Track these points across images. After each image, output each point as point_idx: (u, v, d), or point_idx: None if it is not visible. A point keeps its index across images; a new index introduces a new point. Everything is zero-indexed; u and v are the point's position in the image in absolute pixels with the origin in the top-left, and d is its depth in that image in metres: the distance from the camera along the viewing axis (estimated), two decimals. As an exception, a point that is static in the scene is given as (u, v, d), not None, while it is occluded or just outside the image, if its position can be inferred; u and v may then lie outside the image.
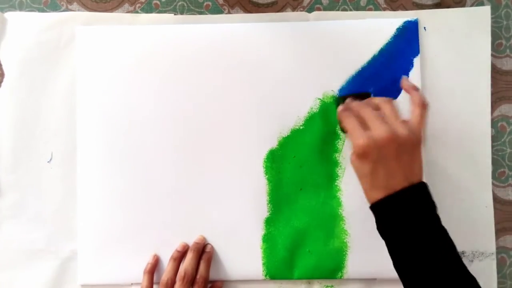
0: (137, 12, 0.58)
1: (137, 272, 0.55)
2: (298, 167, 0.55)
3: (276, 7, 0.58)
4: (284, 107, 0.56)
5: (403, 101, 0.54)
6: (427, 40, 0.56)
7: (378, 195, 0.43)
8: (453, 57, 0.56)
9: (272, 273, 0.55)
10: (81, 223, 0.56)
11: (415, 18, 0.56)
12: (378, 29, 0.56)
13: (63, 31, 0.57)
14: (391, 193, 0.42)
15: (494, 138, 0.57)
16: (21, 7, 0.58)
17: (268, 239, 0.55)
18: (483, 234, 0.56)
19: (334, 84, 0.56)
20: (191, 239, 0.55)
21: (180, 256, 0.54)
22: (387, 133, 0.42)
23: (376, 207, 0.44)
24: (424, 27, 0.56)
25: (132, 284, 0.56)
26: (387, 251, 0.54)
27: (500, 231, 0.57)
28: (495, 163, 0.57)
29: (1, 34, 0.57)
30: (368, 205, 0.53)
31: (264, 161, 0.56)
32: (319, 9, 0.58)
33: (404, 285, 0.44)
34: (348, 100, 0.51)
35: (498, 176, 0.57)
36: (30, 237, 0.56)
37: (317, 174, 0.55)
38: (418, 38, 0.56)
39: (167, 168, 0.56)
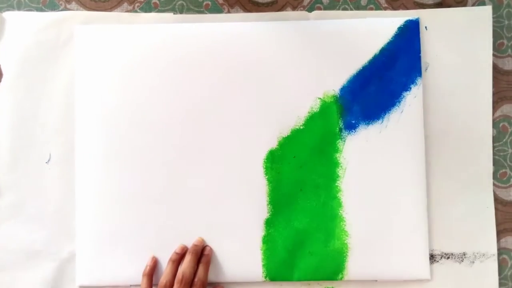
0: (136, 11, 0.58)
1: (136, 274, 0.54)
2: (298, 167, 0.55)
3: (276, 6, 0.58)
4: (284, 107, 0.55)
5: (407, 110, 0.55)
6: (428, 39, 0.56)
7: None
8: (454, 57, 0.56)
9: (272, 275, 0.55)
10: (80, 224, 0.55)
11: (416, 17, 0.56)
12: (379, 28, 0.56)
13: (61, 30, 0.57)
14: None
15: (495, 139, 0.57)
16: (19, 6, 0.58)
17: (268, 240, 0.55)
18: (484, 235, 0.56)
19: (335, 83, 0.55)
20: (190, 241, 0.55)
21: (179, 258, 0.54)
22: None
23: None
24: (425, 27, 0.56)
25: (130, 285, 0.55)
26: (387, 252, 0.54)
27: (501, 232, 0.57)
28: (497, 163, 0.57)
29: (-1, 33, 0.57)
30: (369, 205, 0.52)
31: (264, 161, 0.55)
32: (319, 9, 0.58)
33: None
34: None
35: (499, 177, 0.57)
36: (28, 237, 0.56)
37: (317, 175, 0.55)
38: (419, 37, 0.56)
39: (166, 169, 0.55)
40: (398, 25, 0.56)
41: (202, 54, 0.56)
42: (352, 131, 0.55)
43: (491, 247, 0.56)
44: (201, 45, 0.56)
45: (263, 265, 0.55)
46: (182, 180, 0.55)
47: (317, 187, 0.55)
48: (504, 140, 0.57)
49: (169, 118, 0.56)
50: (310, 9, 0.58)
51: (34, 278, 0.56)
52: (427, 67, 0.56)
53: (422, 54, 0.56)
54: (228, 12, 0.58)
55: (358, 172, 0.55)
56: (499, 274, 0.56)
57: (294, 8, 0.58)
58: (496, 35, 0.57)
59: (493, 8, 0.57)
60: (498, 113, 0.57)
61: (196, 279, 0.52)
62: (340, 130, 0.55)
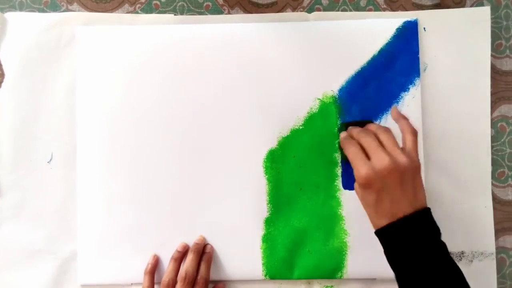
0: (137, 13, 0.58)
1: (137, 272, 0.55)
2: (297, 167, 0.55)
3: (276, 7, 0.58)
4: (284, 107, 0.56)
5: (405, 110, 0.55)
6: (427, 40, 0.56)
7: (383, 222, 0.44)
8: (453, 58, 0.56)
9: (272, 273, 0.55)
10: (81, 223, 0.56)
11: (414, 18, 0.56)
12: (378, 29, 0.56)
13: (63, 31, 0.57)
14: (396, 220, 0.43)
15: (493, 138, 0.57)
16: (21, 7, 0.58)
17: (268, 239, 0.55)
18: (482, 234, 0.56)
19: (334, 84, 0.56)
20: (191, 239, 0.55)
21: (181, 256, 0.54)
22: (388, 163, 0.43)
23: (381, 234, 0.45)
24: (424, 28, 0.56)
25: (132, 284, 0.56)
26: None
27: (499, 231, 0.57)
28: (495, 163, 0.57)
29: (1, 34, 0.57)
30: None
31: (264, 161, 0.56)
32: (319, 10, 0.58)
33: None
34: (350, 128, 0.52)
35: (497, 176, 0.58)
36: (30, 237, 0.56)
37: (316, 174, 0.55)
38: (417, 38, 0.56)
39: (167, 168, 0.56)
40: (397, 26, 0.56)
41: (203, 55, 0.56)
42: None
43: (490, 246, 0.56)
44: (202, 46, 0.56)
45: (263, 264, 0.55)
46: (182, 180, 0.56)
47: (317, 186, 0.55)
48: (502, 140, 0.58)
49: (170, 118, 0.56)
50: (309, 10, 0.58)
51: (35, 277, 0.56)
52: (426, 67, 0.56)
53: (420, 55, 0.56)
54: (229, 13, 0.58)
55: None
56: (498, 273, 0.56)
57: (294, 9, 0.58)
58: (494, 36, 0.57)
59: (492, 9, 0.57)
60: (496, 113, 0.58)
61: (198, 277, 0.53)
62: (339, 130, 0.56)
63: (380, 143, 0.46)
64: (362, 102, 0.55)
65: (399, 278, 0.44)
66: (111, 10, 0.58)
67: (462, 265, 0.55)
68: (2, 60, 0.57)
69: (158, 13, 0.58)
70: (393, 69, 0.55)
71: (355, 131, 0.50)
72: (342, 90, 0.56)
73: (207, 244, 0.55)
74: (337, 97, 0.56)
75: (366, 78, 0.56)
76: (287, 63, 0.56)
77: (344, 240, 0.55)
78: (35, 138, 0.57)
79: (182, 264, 0.54)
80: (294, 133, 0.56)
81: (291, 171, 0.55)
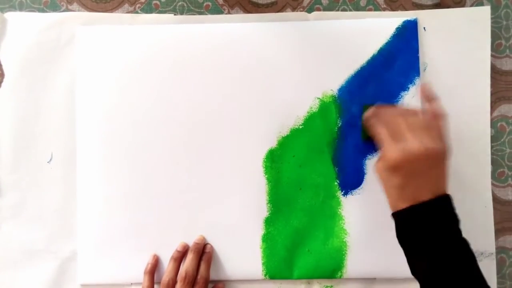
0: (137, 13, 0.58)
1: (137, 272, 0.55)
2: (297, 166, 0.55)
3: (276, 7, 0.58)
4: (284, 107, 0.56)
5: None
6: (427, 40, 0.56)
7: (403, 204, 0.44)
8: (453, 57, 0.56)
9: (272, 273, 0.55)
10: (81, 223, 0.56)
11: (414, 17, 0.56)
12: (378, 28, 0.56)
13: (63, 31, 0.57)
14: (416, 204, 0.43)
15: (493, 138, 0.57)
16: (21, 7, 0.58)
17: (268, 239, 0.55)
18: (482, 234, 0.56)
19: (334, 83, 0.56)
20: (191, 239, 0.55)
21: (181, 256, 0.54)
22: (421, 147, 0.43)
23: (399, 216, 0.44)
24: (424, 28, 0.56)
25: (131, 284, 0.56)
26: (386, 250, 0.54)
27: (499, 231, 0.57)
28: (495, 163, 0.57)
29: (1, 34, 0.57)
30: (369, 206, 0.53)
31: (264, 160, 0.56)
32: (319, 9, 0.58)
33: None
34: (376, 106, 0.51)
35: (497, 176, 0.57)
36: (30, 237, 0.56)
37: (316, 174, 0.55)
38: (417, 37, 0.56)
39: (167, 168, 0.56)
40: (396, 26, 0.56)
41: (203, 55, 0.56)
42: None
43: (489, 246, 0.56)
44: (202, 46, 0.56)
45: (263, 263, 0.55)
46: (182, 179, 0.56)
47: (317, 186, 0.55)
48: (502, 140, 0.58)
49: (170, 118, 0.56)
50: (309, 10, 0.58)
51: (35, 277, 0.56)
52: (426, 67, 0.56)
53: (420, 55, 0.56)
54: (228, 13, 0.58)
55: (357, 171, 0.56)
56: (497, 273, 0.56)
57: (294, 9, 0.58)
58: (494, 36, 0.57)
59: (492, 9, 0.57)
60: (496, 113, 0.58)
61: (198, 277, 0.53)
62: (339, 129, 0.56)
63: (410, 126, 0.45)
64: (362, 102, 0.55)
65: (410, 258, 0.44)
66: (111, 10, 0.58)
67: (462, 265, 0.55)
68: (2, 60, 0.57)
69: (158, 13, 0.58)
70: (393, 68, 0.55)
71: (383, 111, 0.49)
72: (342, 90, 0.56)
73: (207, 243, 0.55)
74: (337, 96, 0.56)
75: (366, 77, 0.55)
76: (287, 62, 0.56)
77: (344, 240, 0.55)
78: (35, 138, 0.57)
79: (182, 264, 0.54)
80: (294, 132, 0.56)
81: (291, 170, 0.55)
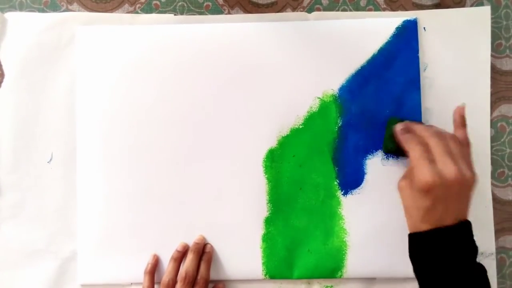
0: (137, 13, 0.58)
1: (137, 272, 0.55)
2: (297, 166, 0.55)
3: (276, 7, 0.58)
4: (284, 106, 0.56)
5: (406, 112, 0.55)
6: (427, 40, 0.56)
7: (425, 227, 0.43)
8: (453, 58, 0.56)
9: (272, 273, 0.55)
10: (81, 223, 0.56)
11: (414, 17, 0.56)
12: (378, 28, 0.56)
13: (63, 31, 0.57)
14: (438, 227, 0.43)
15: (493, 138, 0.57)
16: (21, 7, 0.58)
17: (268, 239, 0.55)
18: (482, 234, 0.56)
19: (334, 83, 0.56)
20: (191, 239, 0.55)
21: (181, 256, 0.54)
22: (458, 174, 0.42)
23: (419, 237, 0.44)
24: (424, 28, 0.56)
25: (132, 284, 0.56)
26: (386, 250, 0.54)
27: (499, 231, 0.57)
28: (495, 163, 0.57)
29: (1, 34, 0.57)
30: (369, 205, 0.53)
31: (264, 160, 0.56)
32: (319, 9, 0.58)
33: None
34: (408, 122, 0.50)
35: (497, 176, 0.57)
36: (30, 237, 0.56)
37: (316, 173, 0.55)
38: (417, 37, 0.56)
39: (167, 168, 0.56)
40: (396, 25, 0.56)
41: (203, 55, 0.56)
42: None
43: (489, 246, 0.56)
44: (202, 46, 0.56)
45: (263, 263, 0.55)
46: (182, 179, 0.56)
47: (317, 185, 0.55)
48: (502, 140, 0.58)
49: (170, 117, 0.56)
50: (309, 10, 0.58)
51: (35, 277, 0.56)
52: (426, 67, 0.56)
53: (420, 55, 0.56)
54: (229, 13, 0.58)
55: (357, 171, 0.56)
56: (497, 273, 0.56)
57: (294, 9, 0.58)
58: (495, 36, 0.58)
59: (492, 9, 0.57)
60: (496, 113, 0.58)
61: (199, 277, 0.53)
62: (339, 129, 0.56)
63: (447, 150, 0.44)
64: (362, 101, 0.55)
65: (422, 279, 0.44)
66: (111, 10, 0.58)
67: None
68: (2, 60, 0.57)
69: (158, 13, 0.58)
70: (393, 68, 0.55)
71: (416, 127, 0.48)
72: (342, 89, 0.56)
73: (207, 243, 0.55)
74: (337, 96, 0.56)
75: (366, 77, 0.56)
76: (287, 62, 0.56)
77: (344, 240, 0.55)
78: (35, 138, 0.57)
79: (182, 264, 0.54)
80: (294, 132, 0.56)
81: (291, 170, 0.55)
